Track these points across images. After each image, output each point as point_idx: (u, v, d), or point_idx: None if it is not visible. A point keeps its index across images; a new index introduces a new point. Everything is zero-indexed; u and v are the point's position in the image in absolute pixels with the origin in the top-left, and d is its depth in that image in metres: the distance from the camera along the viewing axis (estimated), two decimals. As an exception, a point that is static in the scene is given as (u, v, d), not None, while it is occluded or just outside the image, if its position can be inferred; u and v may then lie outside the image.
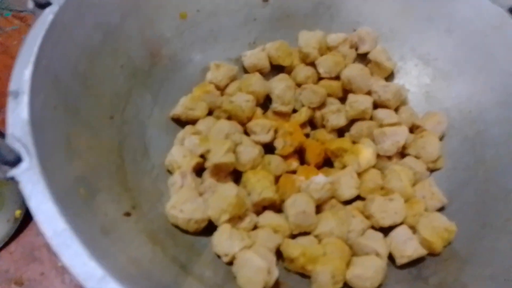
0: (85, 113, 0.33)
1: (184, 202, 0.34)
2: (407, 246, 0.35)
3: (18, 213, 0.42)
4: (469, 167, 0.40)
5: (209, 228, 0.35)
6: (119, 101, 0.38)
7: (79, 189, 0.27)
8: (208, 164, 0.37)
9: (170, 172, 0.38)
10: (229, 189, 0.35)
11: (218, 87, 0.44)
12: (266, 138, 0.41)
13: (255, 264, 0.31)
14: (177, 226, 0.34)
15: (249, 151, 0.39)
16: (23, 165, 0.23)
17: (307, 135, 0.45)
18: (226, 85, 0.45)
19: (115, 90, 0.37)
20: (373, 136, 0.42)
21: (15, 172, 0.23)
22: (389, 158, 0.41)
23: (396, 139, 0.40)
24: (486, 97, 0.42)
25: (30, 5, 0.31)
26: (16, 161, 0.23)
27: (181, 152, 0.38)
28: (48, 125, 0.28)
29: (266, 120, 0.41)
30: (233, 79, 0.45)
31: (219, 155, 0.36)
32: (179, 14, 0.44)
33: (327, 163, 0.43)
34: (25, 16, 0.62)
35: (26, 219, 0.43)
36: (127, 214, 0.31)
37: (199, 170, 0.39)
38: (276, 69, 0.47)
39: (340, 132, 0.45)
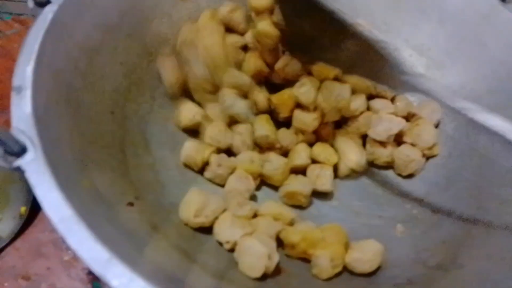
0: (87, 109, 0.34)
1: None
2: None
3: (23, 209, 0.43)
4: (464, 154, 0.41)
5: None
6: (119, 97, 0.38)
7: (83, 180, 0.28)
8: None
9: (189, 167, 0.40)
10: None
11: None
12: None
13: (256, 250, 0.32)
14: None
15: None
16: (28, 156, 0.24)
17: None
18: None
19: (115, 87, 0.38)
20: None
21: (21, 162, 0.24)
22: (383, 145, 0.42)
23: (389, 126, 0.41)
24: (478, 85, 0.43)
25: (31, 4, 0.32)
26: (21, 152, 0.24)
27: (193, 147, 0.39)
28: (51, 119, 0.29)
29: None
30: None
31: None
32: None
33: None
34: (25, 19, 0.63)
35: (31, 215, 0.43)
36: (131, 204, 0.32)
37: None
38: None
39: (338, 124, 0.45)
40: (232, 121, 0.43)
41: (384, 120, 0.41)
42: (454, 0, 0.45)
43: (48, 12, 0.32)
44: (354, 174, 0.42)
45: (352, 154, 0.41)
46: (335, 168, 0.41)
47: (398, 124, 0.42)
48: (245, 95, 0.43)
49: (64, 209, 0.23)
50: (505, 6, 0.43)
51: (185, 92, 0.43)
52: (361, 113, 0.43)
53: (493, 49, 0.43)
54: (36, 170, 0.24)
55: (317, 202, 0.41)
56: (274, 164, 0.40)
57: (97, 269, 0.21)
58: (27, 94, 0.27)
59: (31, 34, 0.30)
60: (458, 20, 0.46)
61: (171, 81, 0.42)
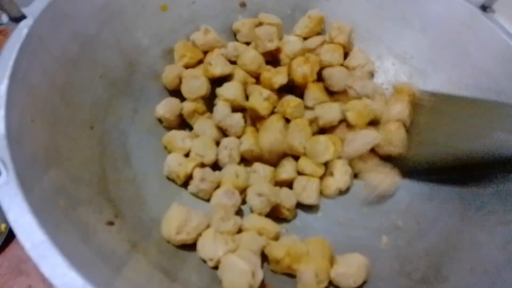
0: (65, 125, 0.33)
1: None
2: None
3: (3, 227, 0.42)
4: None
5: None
6: (99, 111, 0.38)
7: (59, 201, 0.27)
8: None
9: (172, 180, 0.39)
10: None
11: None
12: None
13: (239, 267, 0.31)
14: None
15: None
16: (1, 179, 0.24)
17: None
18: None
19: (95, 100, 0.37)
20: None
21: (-8, 186, 0.23)
22: (363, 159, 0.42)
23: (364, 141, 0.41)
24: (460, 93, 0.43)
25: (5, 19, 0.31)
26: (-7, 175, 0.24)
27: (176, 160, 0.38)
28: (25, 138, 0.28)
29: None
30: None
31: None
32: (160, 7, 0.45)
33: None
34: (4, 29, 0.61)
35: (12, 233, 0.42)
36: (110, 223, 0.31)
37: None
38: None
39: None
40: (223, 134, 0.43)
41: (358, 136, 0.41)
42: (436, 8, 0.45)
43: (23, 28, 0.31)
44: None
45: (339, 175, 0.41)
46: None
47: (373, 139, 0.41)
48: (238, 108, 0.43)
49: (37, 234, 0.22)
50: (485, 15, 0.43)
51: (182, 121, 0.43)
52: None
53: (474, 57, 0.43)
54: (8, 193, 0.23)
55: (301, 213, 0.41)
56: (260, 173, 0.39)
57: (71, 298, 0.21)
58: (0, 114, 0.27)
59: (4, 50, 0.30)
60: (440, 28, 0.46)
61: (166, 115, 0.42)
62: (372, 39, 0.49)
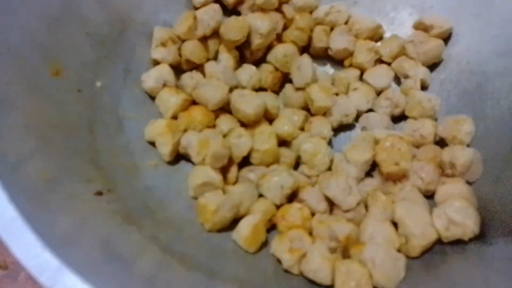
0: (48, 88, 0.31)
1: None
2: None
3: None
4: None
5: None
6: (87, 72, 0.35)
7: (41, 172, 0.25)
8: None
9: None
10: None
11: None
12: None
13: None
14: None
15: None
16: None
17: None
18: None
19: (82, 61, 0.35)
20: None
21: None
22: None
23: None
24: (486, 47, 0.39)
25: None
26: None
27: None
28: (2, 103, 0.26)
29: None
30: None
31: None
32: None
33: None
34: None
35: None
36: (99, 193, 0.29)
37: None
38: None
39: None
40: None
41: None
42: (458, -47, 0.40)
43: (-4, -19, 0.28)
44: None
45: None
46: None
47: None
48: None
49: (7, 210, 0.20)
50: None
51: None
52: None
53: (500, 6, 0.39)
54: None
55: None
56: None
57: (44, 281, 0.19)
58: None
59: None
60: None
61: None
62: (388, -13, 0.45)
